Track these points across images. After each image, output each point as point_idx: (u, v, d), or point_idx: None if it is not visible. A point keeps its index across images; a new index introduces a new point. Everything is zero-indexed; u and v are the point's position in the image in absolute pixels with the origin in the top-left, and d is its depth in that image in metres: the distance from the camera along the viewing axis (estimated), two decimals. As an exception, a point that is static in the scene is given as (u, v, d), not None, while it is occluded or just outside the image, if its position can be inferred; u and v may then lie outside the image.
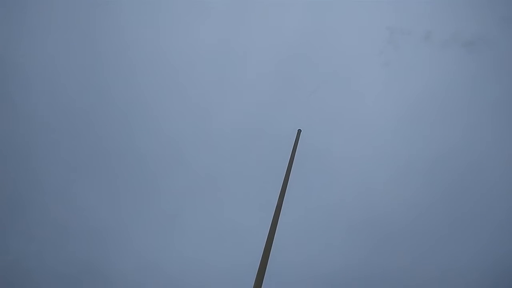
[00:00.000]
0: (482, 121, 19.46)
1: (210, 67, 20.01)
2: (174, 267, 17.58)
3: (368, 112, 20.26)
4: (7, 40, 18.24)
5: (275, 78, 20.55)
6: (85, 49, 19.07)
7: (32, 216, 17.12)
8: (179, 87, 19.85)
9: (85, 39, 19.11)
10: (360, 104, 20.36)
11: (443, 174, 19.10)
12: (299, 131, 9.19)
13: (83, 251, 17.01)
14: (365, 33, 20.38)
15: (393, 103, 20.05)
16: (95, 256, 17.06)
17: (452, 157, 19.23)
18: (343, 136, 20.07)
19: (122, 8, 19.37)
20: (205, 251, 17.93)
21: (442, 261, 17.78)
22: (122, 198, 18.43)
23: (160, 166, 19.14)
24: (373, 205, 18.99)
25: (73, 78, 18.81)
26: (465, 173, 19.03)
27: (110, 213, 17.93)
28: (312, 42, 20.54)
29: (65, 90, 18.70)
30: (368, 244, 18.42)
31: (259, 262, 6.22)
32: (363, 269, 17.81)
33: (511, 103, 19.24)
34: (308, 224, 18.41)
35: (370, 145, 19.85)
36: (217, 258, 17.68)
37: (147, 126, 19.33)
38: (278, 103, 20.44)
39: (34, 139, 17.87)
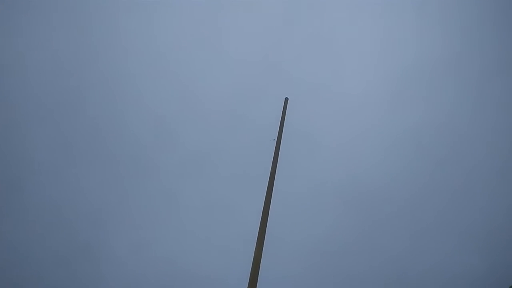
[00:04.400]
0: (468, 96, 19.57)
1: (195, 45, 19.69)
2: (168, 244, 17.79)
3: (355, 82, 20.19)
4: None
5: (260, 47, 20.22)
6: (79, 35, 18.73)
7: (28, 197, 17.08)
8: (167, 67, 19.61)
9: (79, 24, 18.73)
10: (347, 74, 20.25)
11: (430, 148, 19.27)
12: (286, 99, 9.14)
13: (80, 230, 17.11)
14: None
15: (382, 74, 19.97)
16: (91, 235, 17.19)
17: (440, 130, 19.38)
18: (330, 107, 20.02)
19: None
20: (199, 226, 18.10)
21: (429, 233, 18.15)
22: (115, 175, 18.42)
23: (151, 144, 19.07)
24: (359, 176, 19.20)
25: (67, 62, 18.60)
26: (452, 146, 19.23)
27: (104, 191, 17.96)
28: (299, 7, 20.13)
29: (58, 73, 18.46)
30: (355, 216, 18.72)
31: (257, 234, 6.19)
32: (350, 240, 18.15)
33: (495, 81, 19.32)
34: (298, 198, 18.60)
35: (356, 116, 19.89)
36: (212, 233, 17.87)
37: (137, 106, 19.22)
38: (263, 73, 20.24)
39: (30, 121, 17.73)
